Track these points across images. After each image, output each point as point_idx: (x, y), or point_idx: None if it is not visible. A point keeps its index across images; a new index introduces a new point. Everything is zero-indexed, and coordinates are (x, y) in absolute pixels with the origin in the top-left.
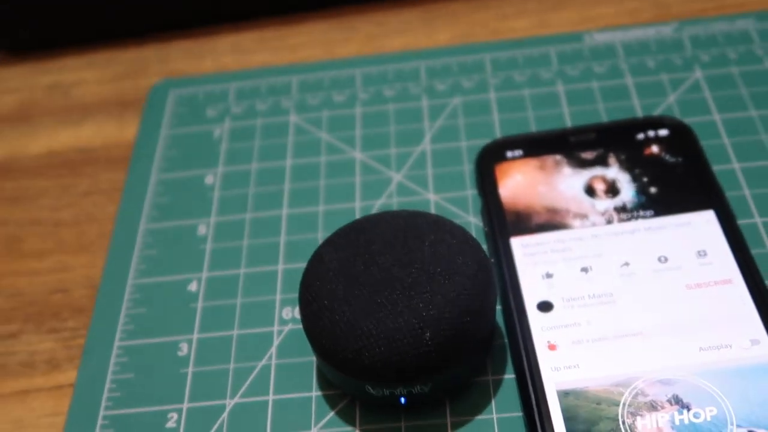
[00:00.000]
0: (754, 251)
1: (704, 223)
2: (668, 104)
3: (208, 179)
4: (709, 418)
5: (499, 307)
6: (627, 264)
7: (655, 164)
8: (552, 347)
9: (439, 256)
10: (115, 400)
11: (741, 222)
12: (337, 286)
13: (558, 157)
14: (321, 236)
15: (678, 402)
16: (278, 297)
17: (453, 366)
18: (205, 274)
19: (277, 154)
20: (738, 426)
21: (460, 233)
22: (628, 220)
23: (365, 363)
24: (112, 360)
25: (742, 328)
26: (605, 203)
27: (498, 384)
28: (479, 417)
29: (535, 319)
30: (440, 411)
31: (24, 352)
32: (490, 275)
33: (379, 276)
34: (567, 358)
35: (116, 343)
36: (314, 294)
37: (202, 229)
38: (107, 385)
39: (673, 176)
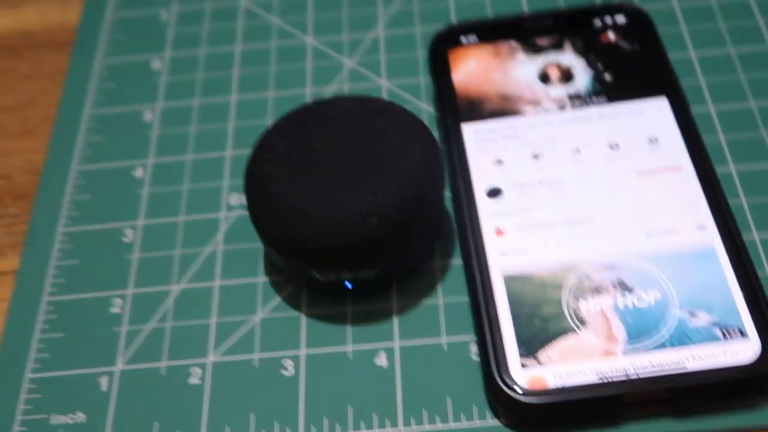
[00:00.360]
0: (706, 138)
1: (657, 111)
2: None
3: (155, 64)
4: (652, 301)
5: (448, 194)
6: (578, 151)
7: (611, 51)
8: (499, 233)
9: (387, 141)
10: (60, 286)
11: (694, 109)
12: (283, 171)
13: (513, 43)
14: (270, 122)
15: (622, 286)
16: (226, 183)
17: (399, 252)
18: (151, 161)
19: (226, 38)
20: (680, 308)
21: (409, 118)
22: (581, 106)
23: (310, 248)
24: (56, 247)
25: (690, 215)
26: (559, 90)
27: (446, 269)
28: (426, 301)
29: (483, 205)
30: (387, 296)
31: None
32: (439, 161)
33: (326, 162)
34: (514, 243)
35: (60, 230)
36: (259, 179)
37: (148, 115)
38: (51, 272)
39: (629, 63)
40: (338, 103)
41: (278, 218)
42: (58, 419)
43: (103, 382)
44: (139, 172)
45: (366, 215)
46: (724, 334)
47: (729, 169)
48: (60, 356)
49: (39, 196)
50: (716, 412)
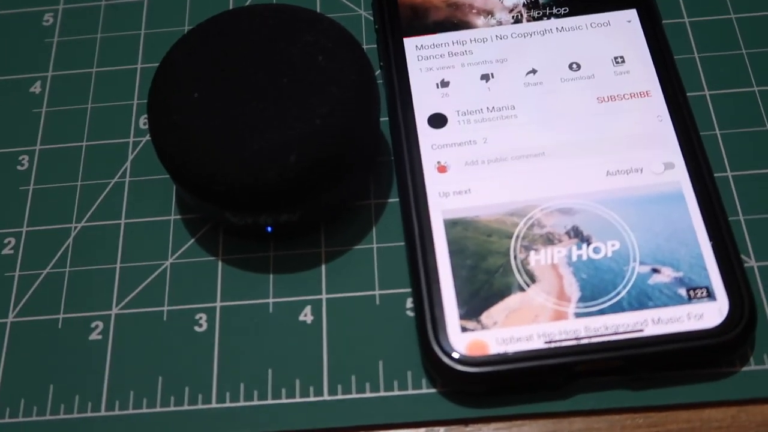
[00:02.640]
0: (678, 57)
1: (625, 24)
2: None
3: None
4: (609, 254)
5: (385, 119)
6: (534, 71)
7: None
8: (442, 169)
9: (313, 62)
10: None
11: (667, 23)
12: (189, 96)
13: None
14: (188, 30)
15: (577, 235)
16: (135, 103)
17: (324, 192)
18: (50, 73)
19: None
20: (641, 263)
21: (339, 34)
22: (539, 18)
23: (221, 189)
24: None
25: (656, 150)
26: None
27: (381, 209)
28: (357, 246)
29: (424, 135)
30: (314, 239)
31: None
32: (373, 87)
33: (240, 85)
34: (458, 181)
35: None
36: (163, 106)
37: (48, 18)
38: None
39: None
40: (257, 12)
41: (183, 153)
42: None
43: None
44: (36, 88)
45: (284, 151)
46: (689, 294)
47: (704, 96)
48: None
49: None
50: (677, 383)
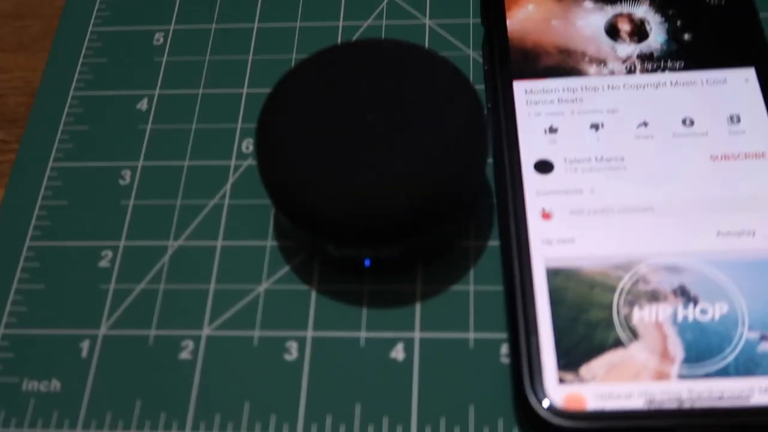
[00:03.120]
0: None
1: (742, 83)
2: None
3: None
4: (717, 317)
5: (490, 161)
6: (645, 124)
7: (695, 6)
8: (546, 216)
9: (425, 100)
10: (44, 230)
11: None
12: (301, 125)
13: None
14: (295, 59)
15: (684, 294)
16: (239, 126)
17: (428, 231)
18: (158, 91)
19: None
20: (750, 328)
21: (452, 74)
22: (653, 71)
23: (326, 221)
24: (44, 183)
25: None
26: (628, 48)
27: (480, 251)
28: (454, 287)
29: (530, 180)
30: (410, 276)
31: None
32: (483, 129)
33: (351, 120)
34: (562, 230)
35: (51, 164)
36: (273, 131)
37: (158, 38)
38: (35, 212)
39: (714, 23)
40: (373, 46)
41: (291, 183)
42: (30, 385)
43: (84, 346)
44: (143, 105)
45: (394, 188)
46: None
47: None
48: (38, 312)
49: (31, 123)
50: None
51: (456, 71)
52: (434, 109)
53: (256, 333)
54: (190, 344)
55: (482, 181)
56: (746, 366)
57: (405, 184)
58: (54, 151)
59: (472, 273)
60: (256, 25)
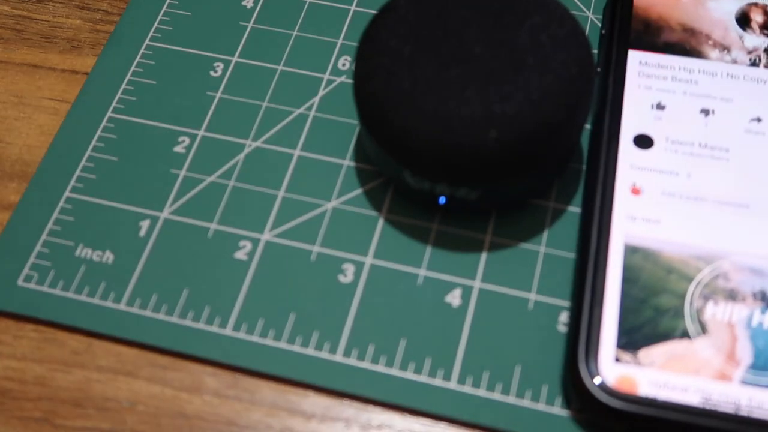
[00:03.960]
0: None
1: None
2: None
3: None
4: None
5: (588, 127)
6: (759, 120)
7: None
8: (636, 191)
9: (536, 44)
10: (128, 104)
11: None
12: (405, 45)
13: None
14: None
15: (764, 299)
16: (340, 41)
17: (511, 179)
18: None
19: None
20: None
21: (570, 24)
22: None
23: (410, 145)
24: (136, 60)
25: None
26: (757, 40)
27: (558, 214)
28: (524, 244)
29: (626, 152)
30: (482, 223)
31: (46, 22)
32: (590, 84)
33: (459, 48)
34: (649, 208)
35: (147, 43)
36: (375, 47)
37: None
38: (123, 86)
39: None
40: None
41: (382, 98)
42: (84, 252)
43: (144, 225)
44: (249, 2)
45: (486, 125)
46: None
47: None
48: (106, 183)
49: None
50: None
51: (575, 24)
52: (544, 55)
53: (316, 248)
54: (248, 245)
55: (577, 140)
56: None
57: (498, 122)
58: (151, 32)
59: (546, 234)
60: None
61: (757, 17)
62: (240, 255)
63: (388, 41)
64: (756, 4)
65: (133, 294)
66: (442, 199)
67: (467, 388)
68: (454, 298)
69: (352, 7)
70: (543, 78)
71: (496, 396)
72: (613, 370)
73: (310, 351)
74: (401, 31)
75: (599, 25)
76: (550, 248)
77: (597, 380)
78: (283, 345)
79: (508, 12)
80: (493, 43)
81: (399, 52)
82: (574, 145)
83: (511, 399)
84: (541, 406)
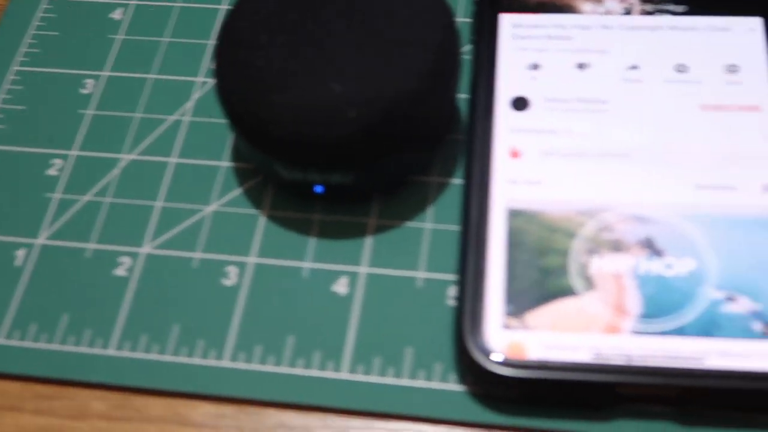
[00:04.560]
0: None
1: (746, 32)
2: None
3: None
4: (683, 273)
5: (466, 96)
6: (635, 67)
7: None
8: (515, 154)
9: (395, 19)
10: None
11: None
12: (261, 35)
13: None
14: None
15: (650, 246)
16: (210, 42)
17: (382, 159)
18: (133, 2)
19: None
20: (717, 287)
21: None
22: (652, 13)
23: (273, 135)
24: (4, 87)
25: (757, 169)
26: None
27: (443, 188)
28: (410, 223)
29: (503, 116)
30: (365, 208)
31: None
32: (453, 53)
33: (315, 34)
34: (530, 170)
35: (14, 68)
36: (232, 41)
37: None
38: None
39: None
40: None
41: (242, 92)
42: None
43: (20, 255)
44: (117, 14)
45: (345, 106)
46: (764, 330)
47: None
48: None
49: (2, 23)
50: (733, 426)
51: None
52: (402, 30)
53: (197, 254)
54: (128, 261)
55: (449, 114)
56: (705, 327)
57: (357, 102)
58: (20, 56)
59: (431, 210)
60: None
61: None
62: (120, 271)
63: (244, 33)
64: None
65: (12, 326)
66: (318, 188)
67: (359, 377)
68: (341, 286)
69: (222, 7)
70: (403, 50)
71: (389, 380)
72: (502, 337)
73: (196, 360)
74: (257, 21)
75: None
76: (437, 224)
77: (485, 350)
78: (168, 358)
79: None
80: (352, 24)
81: (255, 43)
82: (448, 117)
83: (404, 381)
84: (435, 385)
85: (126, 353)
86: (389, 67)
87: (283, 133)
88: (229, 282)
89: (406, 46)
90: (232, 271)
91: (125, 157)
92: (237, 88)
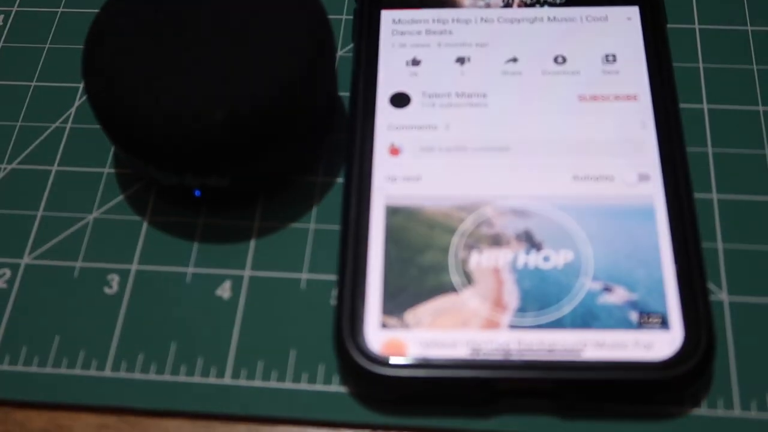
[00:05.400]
0: (680, 65)
1: (624, 21)
2: None
3: None
4: (560, 265)
5: (347, 94)
6: (515, 60)
7: None
8: (394, 151)
9: (265, 16)
10: None
11: (674, 27)
12: (125, 37)
13: None
14: None
15: (528, 239)
16: None
17: (257, 159)
18: (15, 9)
19: None
20: (594, 278)
21: None
22: (532, 5)
23: (141, 140)
24: None
25: (633, 158)
26: None
27: (327, 187)
28: (293, 224)
29: (383, 113)
30: (249, 210)
31: None
32: (325, 50)
33: (182, 36)
34: (409, 167)
35: None
36: (96, 49)
37: None
38: None
39: None
40: None
41: (109, 97)
42: None
43: None
44: None
45: (209, 107)
46: (640, 320)
47: (701, 109)
48: None
49: None
50: (613, 418)
51: None
52: (273, 28)
53: (78, 264)
54: (8, 273)
55: (326, 112)
56: (583, 318)
57: (225, 103)
58: None
59: (315, 211)
60: None
61: None
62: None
63: (110, 38)
64: None
65: None
66: (197, 192)
67: (242, 382)
68: (224, 291)
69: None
70: (271, 50)
71: (272, 384)
72: (380, 336)
73: (77, 371)
74: (122, 27)
75: None
76: (320, 224)
77: (363, 350)
78: (48, 370)
79: None
80: (220, 24)
81: (120, 48)
82: (324, 116)
83: (287, 384)
84: (318, 387)
85: (5, 367)
86: (257, 68)
87: (150, 137)
88: (110, 291)
89: (273, 46)
90: (114, 279)
91: (5, 167)
92: (104, 93)
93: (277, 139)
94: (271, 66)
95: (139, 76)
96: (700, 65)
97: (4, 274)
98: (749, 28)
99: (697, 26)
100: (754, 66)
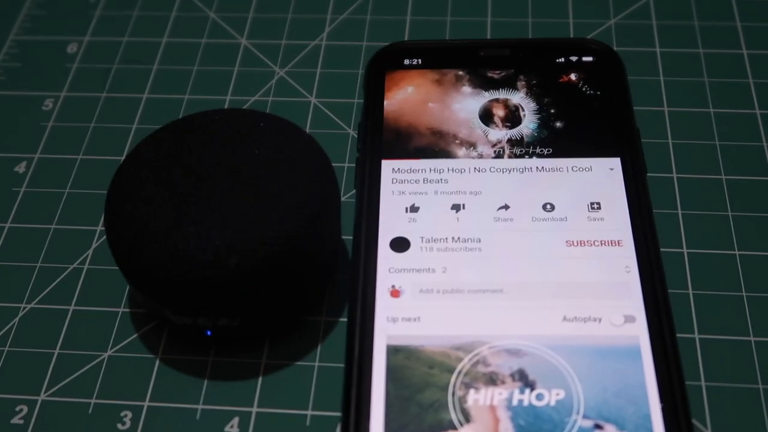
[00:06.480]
0: (660, 212)
1: (606, 171)
2: (607, 28)
3: (71, 48)
4: (553, 402)
5: (350, 238)
6: (506, 207)
7: (569, 95)
8: (395, 293)
9: (273, 168)
10: None
11: (654, 176)
12: (145, 188)
13: (461, 72)
14: None
15: (522, 378)
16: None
17: (268, 301)
18: (38, 155)
19: (154, 28)
20: (584, 416)
21: (307, 145)
22: (521, 156)
23: (157, 285)
24: None
25: (619, 301)
26: (500, 133)
27: (331, 327)
28: (299, 362)
29: (384, 257)
30: (256, 349)
31: None
32: (331, 200)
33: (199, 185)
34: (409, 308)
35: None
36: (119, 193)
37: (48, 104)
38: None
39: (586, 112)
40: (228, 115)
41: (128, 241)
42: None
43: None
44: (21, 167)
45: (225, 254)
46: None
47: (681, 253)
48: None
49: None
50: None
51: (310, 142)
52: (283, 178)
53: (93, 401)
54: (25, 409)
55: (332, 256)
56: None
57: (239, 250)
58: None
59: (319, 349)
60: (145, 96)
61: (498, 112)
62: (16, 420)
63: (131, 186)
64: (497, 100)
65: None
66: (208, 332)
67: None
68: (232, 427)
69: (123, 158)
70: (282, 200)
71: None
72: None
73: None
74: (145, 174)
75: None
76: (324, 362)
77: None
78: None
79: (245, 140)
80: (234, 174)
81: (140, 195)
82: (329, 261)
83: None
84: None
85: None
86: (268, 217)
87: (166, 281)
88: (123, 427)
89: (283, 196)
90: (128, 415)
91: (25, 306)
92: (123, 240)
93: (282, 285)
94: (280, 218)
95: (157, 224)
96: (679, 212)
97: (21, 410)
98: (723, 177)
99: (675, 175)
100: (729, 213)
